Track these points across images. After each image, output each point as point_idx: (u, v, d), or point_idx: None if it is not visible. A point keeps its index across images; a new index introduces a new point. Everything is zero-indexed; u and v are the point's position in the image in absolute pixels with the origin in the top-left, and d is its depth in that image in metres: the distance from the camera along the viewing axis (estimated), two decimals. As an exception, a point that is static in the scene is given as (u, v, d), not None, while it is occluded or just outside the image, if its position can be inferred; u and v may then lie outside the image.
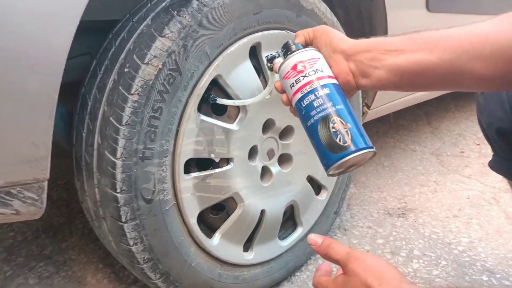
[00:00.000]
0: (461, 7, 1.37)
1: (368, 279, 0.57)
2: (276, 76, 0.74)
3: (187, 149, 0.82)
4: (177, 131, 0.80)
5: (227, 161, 0.90)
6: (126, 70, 0.73)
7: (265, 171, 0.99)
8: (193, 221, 0.88)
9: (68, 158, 0.92)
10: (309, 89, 0.65)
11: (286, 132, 1.01)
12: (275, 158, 1.01)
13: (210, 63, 0.81)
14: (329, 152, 0.63)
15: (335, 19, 1.04)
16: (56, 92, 0.63)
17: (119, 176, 0.75)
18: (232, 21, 0.82)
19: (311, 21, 0.96)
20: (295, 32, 0.94)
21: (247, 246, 1.03)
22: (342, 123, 0.63)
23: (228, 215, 0.95)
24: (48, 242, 1.34)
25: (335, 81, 0.66)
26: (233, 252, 0.98)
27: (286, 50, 0.70)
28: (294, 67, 0.66)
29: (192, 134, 0.82)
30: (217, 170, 0.89)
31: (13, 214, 0.71)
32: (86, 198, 0.84)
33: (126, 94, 0.72)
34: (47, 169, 0.69)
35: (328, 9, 1.02)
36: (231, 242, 0.97)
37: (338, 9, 1.19)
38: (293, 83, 0.66)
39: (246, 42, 0.86)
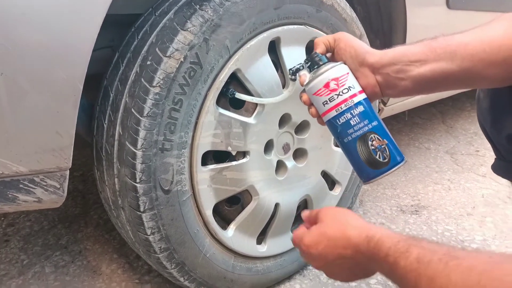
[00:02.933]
0: (481, 5, 1.36)
1: (337, 217, 0.65)
2: (298, 81, 0.75)
3: (205, 142, 0.83)
4: (196, 123, 0.81)
5: (243, 154, 0.91)
6: (148, 62, 0.74)
7: (280, 165, 1.00)
8: (208, 212, 0.89)
9: (85, 149, 0.94)
10: (344, 108, 0.67)
11: (302, 127, 1.02)
12: (291, 152, 1.01)
13: (230, 57, 0.82)
14: (369, 167, 0.68)
15: (354, 15, 1.04)
16: (81, 83, 0.65)
17: (139, 166, 0.76)
18: (253, 16, 0.82)
19: (331, 17, 0.96)
20: (314, 28, 0.94)
21: (261, 238, 1.04)
22: (379, 139, 0.67)
23: (243, 208, 0.97)
24: (64, 232, 1.37)
25: (364, 95, 0.69)
26: (247, 244, 0.99)
27: (312, 63, 0.71)
28: (327, 85, 0.67)
29: (210, 126, 0.83)
30: (234, 163, 0.90)
31: (36, 201, 0.73)
32: (105, 188, 0.85)
33: (148, 86, 0.74)
34: (69, 158, 0.71)
35: (348, 5, 1.02)
36: (245, 234, 0.98)
37: (357, 5, 1.19)
38: (326, 101, 0.68)
39: (266, 36, 0.87)
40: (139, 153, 0.76)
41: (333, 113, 0.68)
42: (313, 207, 1.11)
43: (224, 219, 0.97)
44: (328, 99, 0.68)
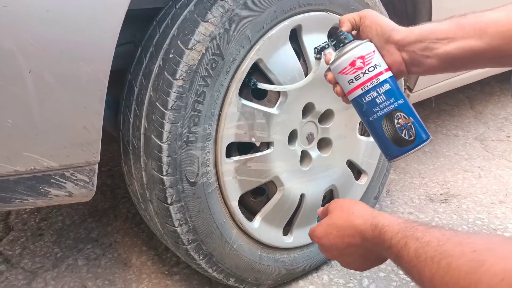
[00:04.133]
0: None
1: (344, 207, 0.68)
2: (322, 63, 0.74)
3: (228, 133, 0.84)
4: (219, 115, 0.82)
5: (267, 145, 0.91)
6: (171, 56, 0.75)
7: (304, 155, 0.99)
8: (234, 204, 0.89)
9: (111, 145, 0.95)
10: (370, 86, 0.67)
11: (325, 116, 1.00)
12: (315, 142, 1.00)
13: (251, 47, 0.81)
14: (395, 145, 0.68)
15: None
16: (106, 78, 0.66)
17: (165, 159, 0.77)
18: (273, 4, 0.81)
19: (353, 2, 0.94)
20: (336, 14, 0.93)
21: (287, 229, 1.04)
22: (405, 117, 0.67)
23: (268, 199, 0.96)
24: (95, 225, 1.40)
25: (390, 73, 0.69)
26: (273, 235, 0.99)
27: (338, 41, 0.70)
28: (353, 63, 0.67)
29: (234, 118, 0.83)
30: (258, 154, 0.90)
31: (67, 196, 0.75)
32: (133, 181, 0.87)
33: (171, 79, 0.74)
34: (98, 153, 0.72)
35: (370, -11, 1.00)
36: (271, 225, 0.98)
37: (379, -12, 1.16)
38: (352, 79, 0.68)
39: (287, 25, 0.85)
40: (164, 146, 0.77)
41: (359, 91, 0.68)
42: (339, 197, 1.10)
43: (250, 211, 0.97)
44: (354, 77, 0.67)
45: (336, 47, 0.71)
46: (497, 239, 0.48)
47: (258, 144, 0.89)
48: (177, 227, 0.83)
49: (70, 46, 0.62)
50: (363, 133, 1.13)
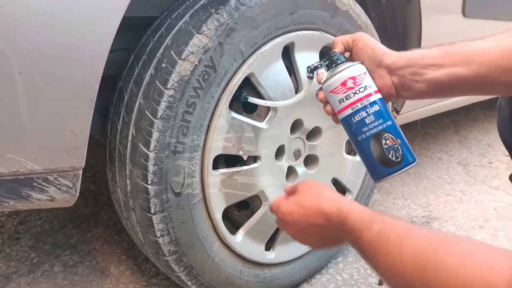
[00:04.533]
0: (498, 14, 1.34)
1: (313, 189, 0.70)
2: (314, 82, 0.76)
3: (216, 145, 0.84)
4: (208, 126, 0.82)
5: (254, 159, 0.91)
6: (163, 65, 0.75)
7: (291, 171, 1.00)
8: (218, 216, 0.89)
9: (96, 150, 0.94)
10: (360, 106, 0.69)
11: (313, 133, 1.01)
12: (302, 158, 1.01)
13: (243, 61, 0.82)
14: (381, 166, 0.70)
15: (369, 21, 1.04)
16: (97, 83, 0.66)
17: (151, 168, 0.77)
18: (268, 20, 0.83)
19: (346, 23, 0.96)
20: (328, 34, 0.94)
21: (269, 245, 1.03)
22: (393, 139, 0.69)
23: (252, 213, 0.96)
24: (74, 231, 1.37)
25: (380, 95, 0.71)
26: (255, 250, 0.99)
27: (330, 62, 0.72)
28: (344, 83, 0.69)
29: (223, 130, 0.83)
30: (245, 167, 0.90)
31: (48, 200, 0.73)
32: (117, 189, 0.86)
33: (162, 89, 0.74)
34: (83, 158, 0.71)
35: (363, 11, 1.02)
36: (254, 240, 0.97)
37: (372, 11, 1.19)
38: (342, 98, 0.70)
39: (280, 41, 0.87)
40: (151, 155, 0.76)
41: (349, 110, 0.70)
42: (323, 215, 1.10)
43: (233, 224, 0.97)
44: (345, 97, 0.69)
45: (328, 67, 0.72)
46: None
47: (245, 158, 0.90)
48: (158, 237, 0.82)
49: (63, 49, 0.62)
50: (349, 152, 1.14)
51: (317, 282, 1.16)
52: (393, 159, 0.69)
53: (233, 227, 0.96)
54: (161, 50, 0.77)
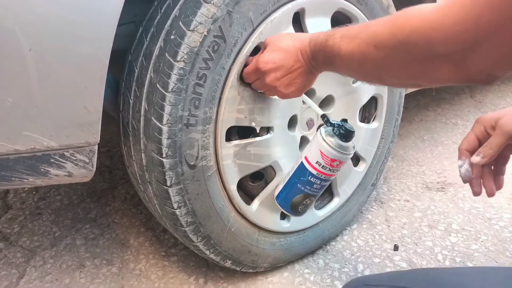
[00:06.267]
0: None
1: (282, 35, 0.79)
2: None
3: (229, 117, 0.83)
4: (220, 98, 0.81)
5: (267, 130, 0.91)
6: (172, 37, 0.74)
7: (304, 141, 0.99)
8: (233, 187, 0.90)
9: (110, 126, 0.95)
10: (322, 177, 0.85)
11: (326, 102, 1.00)
12: (315, 128, 1.00)
13: (253, 30, 0.80)
14: (289, 207, 0.90)
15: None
16: (107, 58, 0.65)
17: (165, 141, 0.77)
18: (277, -13, 0.80)
19: (357, -14, 0.93)
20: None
21: (284, 214, 1.04)
22: (311, 202, 0.91)
23: (267, 183, 0.97)
24: (93, 206, 1.41)
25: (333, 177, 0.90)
26: (271, 219, 1.00)
27: (346, 139, 0.83)
28: (333, 160, 0.83)
29: (234, 102, 0.83)
30: (258, 138, 0.90)
31: (66, 176, 0.75)
32: (133, 163, 0.87)
33: (172, 61, 0.73)
34: (98, 133, 0.72)
35: (375, -26, 0.98)
36: (269, 210, 0.98)
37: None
38: (320, 162, 0.83)
39: (290, 8, 0.84)
40: (164, 128, 0.76)
41: (314, 171, 0.84)
42: (337, 184, 1.11)
43: (248, 195, 0.98)
44: (324, 164, 0.83)
45: (340, 138, 0.82)
46: None
47: (258, 129, 0.89)
48: (176, 209, 0.84)
49: (71, 25, 0.61)
50: (363, 120, 1.13)
51: (332, 249, 1.17)
52: (299, 210, 0.91)
53: (248, 197, 0.97)
54: (169, 22, 0.75)
